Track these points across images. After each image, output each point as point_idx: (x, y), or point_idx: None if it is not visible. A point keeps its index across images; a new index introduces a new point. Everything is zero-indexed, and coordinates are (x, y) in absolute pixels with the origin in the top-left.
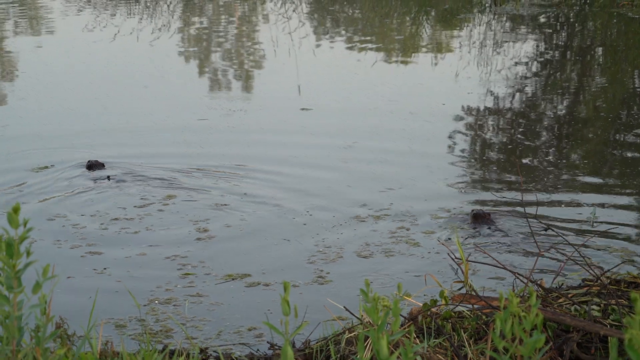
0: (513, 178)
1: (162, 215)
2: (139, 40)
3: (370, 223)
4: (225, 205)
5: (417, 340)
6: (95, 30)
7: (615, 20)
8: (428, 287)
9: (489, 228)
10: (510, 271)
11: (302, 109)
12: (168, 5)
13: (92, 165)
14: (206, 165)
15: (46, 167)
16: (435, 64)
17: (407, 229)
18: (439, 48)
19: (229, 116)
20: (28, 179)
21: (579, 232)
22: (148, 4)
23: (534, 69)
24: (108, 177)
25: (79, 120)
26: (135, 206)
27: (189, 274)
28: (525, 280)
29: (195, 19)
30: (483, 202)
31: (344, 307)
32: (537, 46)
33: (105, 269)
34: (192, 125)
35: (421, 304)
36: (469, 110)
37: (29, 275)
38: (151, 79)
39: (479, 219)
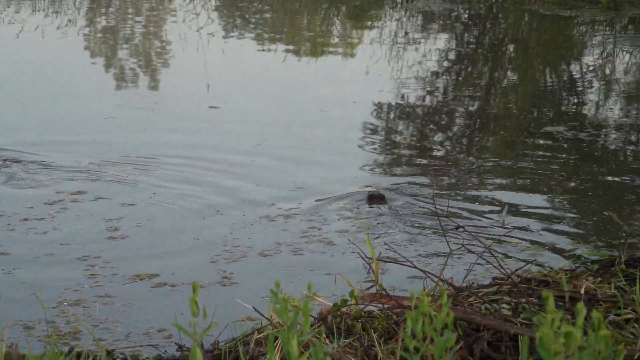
0: (424, 176)
1: (71, 213)
2: (44, 36)
3: (280, 222)
4: (135, 204)
5: (327, 341)
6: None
7: (527, 17)
8: (338, 286)
9: (380, 208)
10: (421, 270)
11: (211, 107)
12: (74, 1)
13: None
14: (114, 162)
15: None
16: (347, 61)
17: (319, 228)
18: (350, 45)
19: (137, 114)
20: None
21: (490, 230)
22: (53, 0)
23: (445, 65)
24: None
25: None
26: (45, 203)
27: (96, 275)
28: (436, 279)
29: (102, 15)
30: (395, 205)
31: (253, 307)
32: (449, 43)
33: (12, 270)
34: (99, 122)
35: (331, 304)
36: (380, 108)
37: None
38: (57, 76)
39: (374, 199)
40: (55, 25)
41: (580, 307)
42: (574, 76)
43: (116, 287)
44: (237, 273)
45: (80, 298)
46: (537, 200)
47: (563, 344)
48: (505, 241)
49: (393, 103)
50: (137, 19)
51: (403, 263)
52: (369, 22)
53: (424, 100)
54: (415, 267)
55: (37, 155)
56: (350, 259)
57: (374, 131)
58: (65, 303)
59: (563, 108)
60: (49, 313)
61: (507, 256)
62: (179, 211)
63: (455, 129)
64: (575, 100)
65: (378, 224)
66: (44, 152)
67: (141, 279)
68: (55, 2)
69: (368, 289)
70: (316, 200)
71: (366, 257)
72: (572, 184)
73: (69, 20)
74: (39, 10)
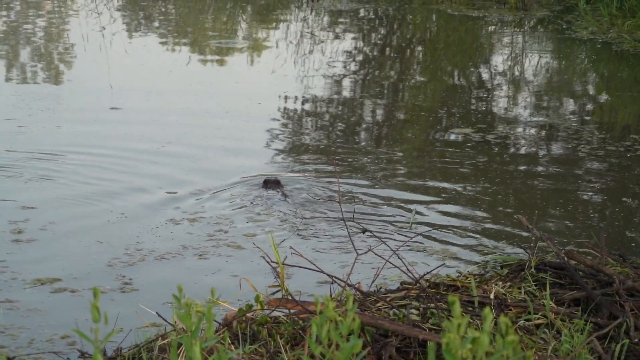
0: (333, 187)
1: None
2: None
3: (185, 226)
4: (38, 206)
5: (233, 347)
6: None
7: (434, 17)
8: (244, 291)
9: (278, 191)
10: (327, 275)
11: (112, 108)
12: None
13: None
14: (16, 164)
15: None
16: (252, 62)
17: (225, 232)
18: (255, 45)
19: (37, 115)
20: None
21: (398, 234)
22: None
23: (352, 66)
24: None
25: None
26: None
27: None
28: (342, 284)
29: (1, 15)
30: (301, 207)
31: (157, 313)
32: (356, 43)
33: None
34: None
35: (236, 309)
36: (285, 110)
37: None
38: None
39: (269, 184)
40: None
41: (487, 312)
42: (483, 77)
43: (17, 292)
44: (140, 278)
45: None
46: (445, 203)
47: (470, 349)
48: (413, 245)
49: (298, 104)
50: (39, 18)
51: (309, 267)
52: (275, 22)
53: (330, 102)
54: (321, 271)
55: None
56: (256, 262)
57: (278, 134)
58: None
59: (471, 110)
60: None
61: (415, 261)
62: (81, 215)
63: (362, 131)
64: (484, 102)
65: (281, 222)
66: None
67: (42, 284)
68: None
69: (274, 293)
70: (213, 193)
71: (272, 261)
72: (481, 188)
73: None
74: None
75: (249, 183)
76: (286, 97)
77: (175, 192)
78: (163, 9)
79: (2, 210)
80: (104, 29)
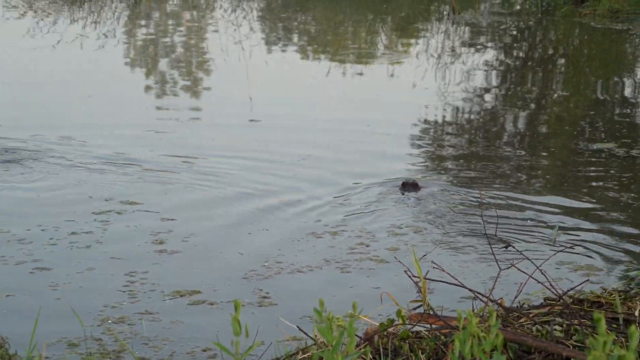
0: (473, 194)
1: (117, 225)
2: (83, 47)
3: (327, 239)
4: (181, 218)
5: None
6: (37, 36)
7: (577, 30)
8: (385, 305)
9: (416, 193)
10: (469, 290)
11: (251, 120)
12: (113, 12)
13: None
14: (158, 176)
15: None
16: (392, 74)
17: (367, 245)
18: (395, 58)
19: (177, 127)
20: None
21: (540, 249)
22: (92, 10)
23: (493, 79)
24: None
25: (16, 133)
26: (93, 212)
27: (135, 291)
28: (485, 300)
29: (142, 26)
30: (442, 219)
31: (297, 326)
32: (497, 56)
33: (54, 285)
34: (138, 135)
35: (378, 324)
36: (426, 122)
37: None
38: (95, 87)
39: (407, 187)
40: (94, 36)
41: (633, 329)
42: (627, 91)
43: (156, 303)
44: (279, 290)
45: (124, 315)
46: (589, 218)
47: None
48: (556, 260)
49: (439, 117)
50: (178, 29)
51: (451, 282)
52: (415, 34)
53: (471, 113)
54: (464, 286)
55: (82, 165)
56: (398, 276)
57: (419, 143)
58: (109, 320)
59: (615, 124)
60: (96, 330)
61: (559, 276)
62: (222, 227)
63: (503, 144)
64: (628, 117)
65: (423, 235)
66: (90, 163)
67: (181, 296)
68: (94, 12)
69: (415, 308)
70: (353, 194)
71: (413, 275)
72: (625, 203)
73: (108, 31)
74: (77, 21)
75: (388, 184)
76: (426, 109)
77: (313, 206)
78: (302, 21)
79: (146, 220)
80: (243, 40)
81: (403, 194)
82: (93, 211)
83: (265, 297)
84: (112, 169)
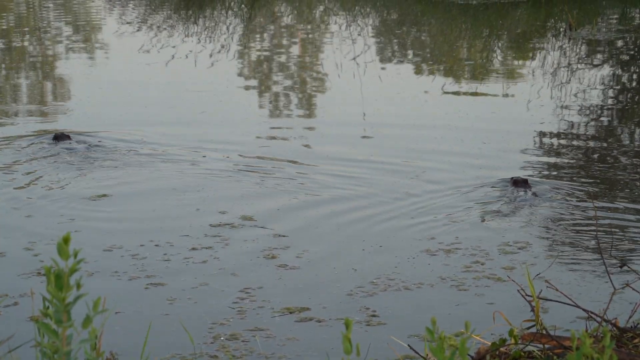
0: (588, 211)
1: (232, 240)
2: (197, 63)
3: (441, 257)
4: (289, 235)
5: None
6: (152, 51)
7: None
8: (497, 325)
9: (525, 191)
10: (583, 309)
11: (364, 137)
12: (227, 27)
13: (58, 137)
14: (270, 191)
15: (104, 196)
16: (507, 91)
17: (482, 264)
18: (510, 74)
19: (289, 142)
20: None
21: None
22: (207, 25)
23: (610, 96)
24: None
25: (132, 148)
26: (211, 225)
27: (245, 307)
28: (599, 319)
29: (256, 41)
30: (556, 237)
31: (409, 345)
32: (614, 73)
33: (168, 300)
34: (251, 151)
35: (489, 343)
36: (541, 138)
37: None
38: (209, 103)
39: (519, 184)
40: (208, 52)
41: None
42: None
43: (265, 319)
44: (390, 308)
45: (235, 332)
46: None
47: None
48: None
49: (554, 132)
50: (292, 46)
51: (564, 302)
52: (531, 51)
53: (587, 130)
54: (577, 306)
55: (195, 180)
56: (510, 295)
57: (533, 160)
58: (222, 337)
59: None
60: (209, 348)
61: None
62: (335, 243)
63: (619, 159)
64: None
65: (537, 252)
66: (203, 178)
67: (291, 312)
68: (208, 28)
69: (529, 328)
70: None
71: (526, 294)
72: None
73: (222, 47)
74: (191, 36)
75: (499, 194)
76: (542, 126)
77: (426, 224)
78: (417, 37)
79: (258, 235)
80: (358, 56)
81: (515, 192)
82: (209, 224)
83: (373, 316)
84: (225, 184)
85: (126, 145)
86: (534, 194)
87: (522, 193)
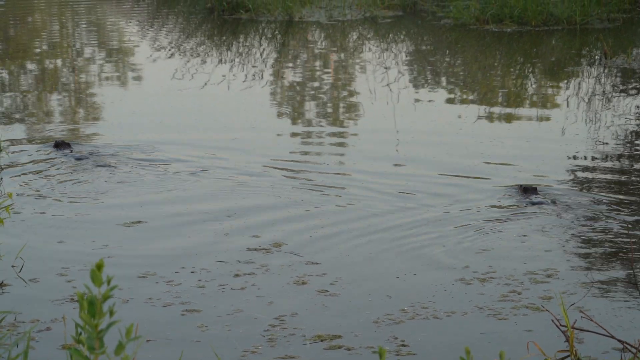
0: (622, 239)
1: (265, 267)
2: (230, 88)
3: (476, 286)
4: (321, 262)
5: None
6: (185, 77)
7: None
8: (532, 354)
9: (536, 197)
10: (618, 340)
11: (396, 165)
12: (261, 53)
13: (59, 145)
14: (301, 217)
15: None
16: (540, 119)
17: (519, 293)
18: (544, 103)
19: (322, 169)
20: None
21: None
22: (240, 51)
23: None
24: None
25: (165, 173)
26: (248, 249)
27: (274, 336)
28: (634, 350)
29: (289, 67)
30: (591, 264)
31: None
32: None
33: (201, 327)
34: (284, 180)
35: None
36: (576, 171)
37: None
38: (241, 129)
39: (528, 192)
40: (241, 78)
41: None
42: None
43: (296, 347)
44: (422, 338)
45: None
46: None
47: None
48: None
49: (590, 164)
50: (325, 72)
51: (598, 332)
52: (566, 79)
53: (621, 161)
54: (612, 336)
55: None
56: (545, 324)
57: (570, 196)
58: None
59: None
60: None
61: None
62: (368, 271)
63: None
64: None
65: (571, 280)
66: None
67: (322, 340)
68: (241, 54)
69: (564, 358)
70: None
71: (561, 324)
72: None
73: (255, 73)
74: (224, 62)
75: (528, 215)
76: (577, 154)
77: (456, 254)
78: (451, 64)
79: (291, 262)
80: (392, 83)
81: (525, 198)
82: (245, 248)
83: (403, 345)
84: (257, 209)
85: (158, 169)
86: (553, 201)
87: (537, 200)
